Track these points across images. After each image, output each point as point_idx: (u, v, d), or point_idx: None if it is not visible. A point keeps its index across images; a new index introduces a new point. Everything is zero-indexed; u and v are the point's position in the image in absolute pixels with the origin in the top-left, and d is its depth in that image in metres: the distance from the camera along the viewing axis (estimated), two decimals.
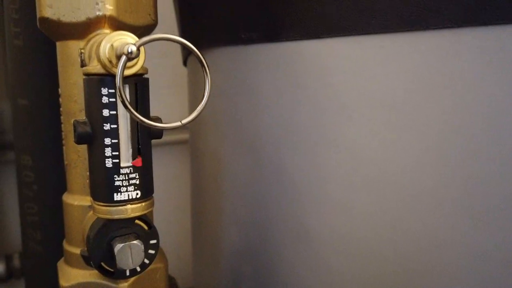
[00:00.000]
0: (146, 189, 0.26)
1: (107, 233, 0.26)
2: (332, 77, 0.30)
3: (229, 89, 0.37)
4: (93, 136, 0.25)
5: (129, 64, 0.24)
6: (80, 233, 0.30)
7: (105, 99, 0.24)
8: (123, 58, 0.22)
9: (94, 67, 0.25)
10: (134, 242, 0.26)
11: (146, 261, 0.27)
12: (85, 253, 0.27)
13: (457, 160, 0.27)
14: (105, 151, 0.25)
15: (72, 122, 0.26)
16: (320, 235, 0.32)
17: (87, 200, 0.30)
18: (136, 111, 0.23)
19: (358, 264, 0.30)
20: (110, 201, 0.25)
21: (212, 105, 0.37)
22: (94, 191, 0.26)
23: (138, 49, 0.22)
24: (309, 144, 0.31)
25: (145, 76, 0.26)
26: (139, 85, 0.25)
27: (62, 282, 0.30)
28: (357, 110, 0.29)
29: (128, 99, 0.24)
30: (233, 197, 0.38)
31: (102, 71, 0.24)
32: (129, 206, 0.25)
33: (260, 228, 0.35)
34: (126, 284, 0.29)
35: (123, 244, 0.25)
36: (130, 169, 0.25)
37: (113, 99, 0.24)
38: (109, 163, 0.25)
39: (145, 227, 0.27)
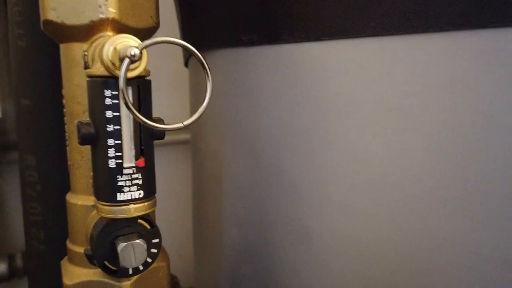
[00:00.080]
0: (149, 189, 0.27)
1: (111, 232, 0.26)
2: (331, 79, 0.30)
3: (229, 91, 0.37)
4: (96, 137, 0.25)
5: (132, 66, 0.24)
6: (84, 232, 0.30)
7: (108, 101, 0.25)
8: (126, 60, 0.23)
9: (98, 69, 0.25)
10: (137, 241, 0.26)
11: (149, 260, 0.27)
12: (88, 252, 0.28)
13: (457, 161, 0.27)
14: (108, 151, 0.25)
15: (76, 123, 0.26)
16: (320, 236, 0.32)
17: (90, 200, 0.30)
18: (139, 112, 0.23)
19: (359, 265, 0.31)
20: (113, 200, 0.26)
21: (213, 107, 0.37)
22: (97, 191, 0.26)
23: (141, 52, 0.23)
24: (309, 146, 0.32)
25: (147, 78, 0.26)
26: (141, 87, 0.26)
27: (66, 280, 0.30)
28: (356, 112, 0.29)
29: (131, 101, 0.24)
30: (233, 198, 0.38)
31: (105, 73, 0.25)
32: (132, 205, 0.26)
33: (260, 229, 0.36)
34: (129, 282, 0.29)
35: (126, 243, 0.26)
36: (133, 170, 0.26)
37: (116, 101, 0.25)
38: (112, 163, 0.25)
39: (148, 227, 0.27)
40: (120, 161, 0.25)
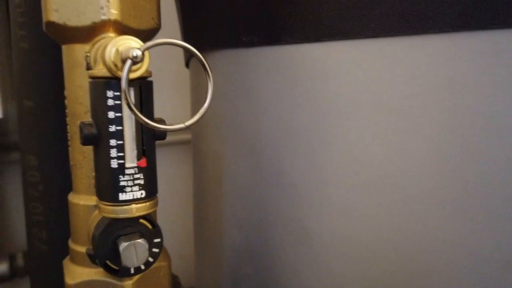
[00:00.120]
0: (151, 189, 0.27)
1: (112, 232, 0.27)
2: (331, 80, 0.30)
3: (230, 92, 0.37)
4: (98, 137, 0.25)
5: (134, 67, 0.24)
6: (86, 232, 0.31)
7: (110, 102, 0.25)
8: (128, 62, 0.23)
9: (100, 70, 0.25)
10: (139, 240, 0.26)
11: (150, 259, 0.28)
12: (90, 252, 0.28)
13: (457, 162, 0.27)
14: (111, 152, 0.25)
15: (78, 124, 0.26)
16: (320, 237, 0.32)
17: (92, 200, 0.30)
18: (141, 113, 0.24)
19: (359, 266, 0.31)
20: (115, 200, 0.26)
21: (213, 107, 0.37)
22: (99, 191, 0.27)
23: (143, 53, 0.23)
24: (309, 147, 0.32)
25: (149, 79, 0.27)
26: (143, 88, 0.26)
27: (68, 280, 0.31)
28: (356, 113, 0.29)
29: (133, 102, 0.24)
30: (234, 199, 0.38)
31: (107, 74, 0.25)
32: (134, 205, 0.26)
33: (260, 230, 0.36)
34: (130, 282, 0.30)
35: (128, 242, 0.26)
36: (135, 170, 0.26)
37: (118, 102, 0.25)
38: (114, 163, 0.25)
39: (149, 226, 0.28)
40: (122, 161, 0.26)
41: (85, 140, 0.25)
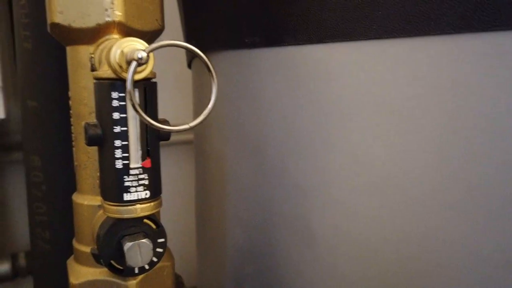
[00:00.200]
0: (155, 189, 0.27)
1: (117, 232, 0.27)
2: (334, 82, 0.30)
3: (232, 93, 0.37)
4: (103, 138, 0.26)
5: (138, 69, 0.24)
6: (90, 232, 0.31)
7: (115, 103, 0.25)
8: (134, 63, 0.23)
9: (105, 71, 0.25)
10: (143, 240, 0.27)
11: (154, 259, 0.28)
12: (95, 251, 0.28)
13: (459, 164, 0.27)
14: (115, 152, 0.26)
15: (83, 124, 0.26)
16: (324, 238, 0.32)
17: (96, 200, 0.30)
18: (145, 114, 0.24)
19: (362, 266, 0.31)
20: (120, 201, 0.26)
21: (216, 108, 0.37)
22: (104, 191, 0.27)
23: (148, 55, 0.23)
24: (312, 148, 0.32)
25: (153, 80, 0.27)
26: (147, 89, 0.26)
27: (72, 279, 0.31)
28: (359, 114, 0.30)
29: (138, 103, 0.25)
30: (237, 200, 0.38)
31: (112, 75, 0.25)
32: (138, 205, 0.26)
33: (264, 230, 0.36)
34: (134, 281, 0.30)
35: (132, 242, 0.26)
36: (140, 170, 0.26)
37: (123, 103, 0.25)
38: (119, 164, 0.26)
39: (153, 226, 0.28)
40: (127, 161, 0.26)
41: (90, 141, 0.26)
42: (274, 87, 0.33)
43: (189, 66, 0.49)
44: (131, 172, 0.26)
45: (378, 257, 0.30)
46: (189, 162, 0.73)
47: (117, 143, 0.25)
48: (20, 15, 0.42)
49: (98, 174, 0.27)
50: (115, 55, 0.25)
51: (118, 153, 0.26)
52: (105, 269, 0.29)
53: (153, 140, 0.26)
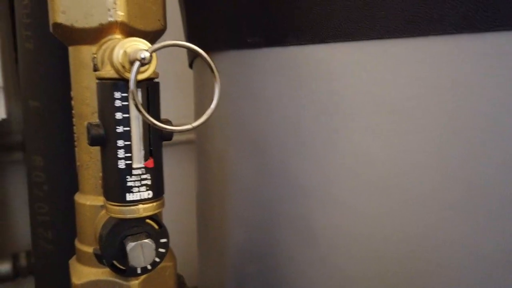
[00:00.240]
0: (158, 189, 0.27)
1: (120, 232, 0.27)
2: (336, 82, 0.30)
3: (234, 93, 0.37)
4: (106, 138, 0.26)
5: (141, 69, 0.24)
6: (92, 232, 0.31)
7: (118, 103, 0.25)
8: (137, 63, 0.23)
9: (108, 71, 0.25)
10: (146, 241, 0.27)
11: (157, 259, 0.28)
12: (97, 252, 0.28)
13: (459, 163, 0.27)
14: (118, 152, 0.26)
15: (86, 124, 0.26)
16: (326, 237, 0.32)
17: (99, 200, 0.30)
18: (148, 114, 0.24)
19: (364, 265, 0.31)
20: (122, 201, 0.26)
21: (217, 108, 0.37)
22: (107, 192, 0.27)
23: (151, 55, 0.23)
24: (314, 148, 0.32)
25: (156, 80, 0.27)
26: (150, 89, 0.26)
27: (74, 280, 0.31)
28: (360, 114, 0.30)
29: (141, 103, 0.24)
30: (238, 199, 0.38)
31: (115, 75, 0.25)
32: (141, 206, 0.26)
33: (265, 230, 0.36)
34: (136, 282, 0.30)
35: (135, 242, 0.26)
36: (142, 170, 0.26)
37: (126, 103, 0.25)
38: (121, 164, 0.26)
39: (156, 226, 0.28)
40: (130, 162, 0.26)
41: (93, 141, 0.26)
42: (276, 87, 0.34)
43: (191, 66, 0.49)
44: (134, 172, 0.26)
45: (379, 257, 0.30)
46: (189, 161, 0.73)
47: (120, 143, 0.25)
48: (21, 15, 0.43)
49: (101, 174, 0.27)
50: (118, 55, 0.25)
51: (121, 153, 0.26)
52: (107, 269, 0.29)
53: (155, 140, 0.26)
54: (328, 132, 0.31)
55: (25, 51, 0.43)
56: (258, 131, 0.35)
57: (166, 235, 0.28)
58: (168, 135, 0.27)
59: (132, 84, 0.23)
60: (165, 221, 0.30)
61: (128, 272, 0.28)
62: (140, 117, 0.25)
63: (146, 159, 0.26)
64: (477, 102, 0.26)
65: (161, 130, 0.25)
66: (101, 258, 0.28)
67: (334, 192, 0.31)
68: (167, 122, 0.26)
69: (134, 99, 0.23)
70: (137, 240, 0.26)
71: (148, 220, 0.27)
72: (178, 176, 0.77)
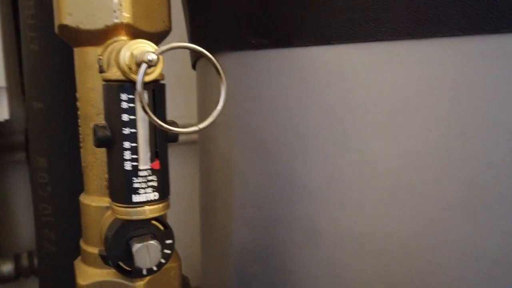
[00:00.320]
0: (163, 190, 0.27)
1: (125, 233, 0.27)
2: (341, 83, 0.30)
3: (239, 94, 0.37)
4: (112, 140, 0.26)
5: (148, 71, 0.24)
6: (98, 233, 0.31)
7: (124, 105, 0.25)
8: (144, 65, 0.23)
9: (114, 73, 0.25)
10: (152, 242, 0.27)
11: (162, 260, 0.28)
12: (103, 253, 0.28)
13: (460, 163, 0.27)
14: (124, 154, 0.26)
15: (92, 126, 0.26)
16: (331, 237, 0.32)
17: (104, 201, 0.30)
18: (154, 115, 0.24)
19: (369, 265, 0.31)
20: (128, 202, 0.26)
21: (222, 109, 0.37)
22: (113, 193, 0.27)
23: (158, 57, 0.23)
24: (319, 149, 0.32)
25: (162, 82, 0.27)
26: (156, 90, 0.26)
27: (80, 280, 0.31)
28: (366, 115, 0.30)
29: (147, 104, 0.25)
30: (243, 199, 0.38)
31: (121, 77, 0.25)
32: (147, 207, 0.26)
33: (271, 229, 0.36)
34: (142, 283, 0.30)
35: (141, 244, 0.26)
36: (149, 172, 0.26)
37: (132, 105, 0.25)
38: (128, 166, 0.26)
39: (161, 228, 0.28)
40: (136, 163, 0.26)
41: (99, 143, 0.26)
42: (280, 88, 0.34)
43: (193, 66, 0.49)
44: (140, 173, 0.26)
45: (383, 256, 0.30)
46: (192, 162, 0.73)
47: (126, 144, 0.26)
48: (26, 16, 0.43)
49: (106, 175, 0.28)
50: (125, 57, 0.25)
51: (127, 154, 0.26)
52: (112, 270, 0.29)
53: (161, 142, 0.27)
54: (333, 134, 0.31)
55: (30, 52, 0.43)
56: (263, 132, 0.35)
57: (171, 236, 0.28)
58: (174, 137, 0.27)
59: (139, 86, 0.23)
60: (168, 221, 0.30)
61: (134, 273, 0.28)
62: (147, 119, 0.25)
63: (152, 160, 0.26)
64: (481, 103, 0.27)
65: (167, 131, 0.25)
66: (107, 259, 0.28)
67: (339, 192, 0.31)
68: (173, 123, 0.26)
69: (141, 101, 0.23)
70: (143, 242, 0.27)
71: (153, 221, 0.28)
72: (181, 176, 0.77)
